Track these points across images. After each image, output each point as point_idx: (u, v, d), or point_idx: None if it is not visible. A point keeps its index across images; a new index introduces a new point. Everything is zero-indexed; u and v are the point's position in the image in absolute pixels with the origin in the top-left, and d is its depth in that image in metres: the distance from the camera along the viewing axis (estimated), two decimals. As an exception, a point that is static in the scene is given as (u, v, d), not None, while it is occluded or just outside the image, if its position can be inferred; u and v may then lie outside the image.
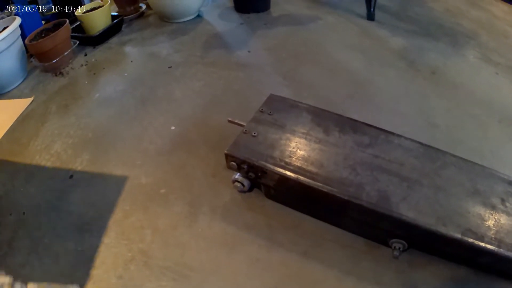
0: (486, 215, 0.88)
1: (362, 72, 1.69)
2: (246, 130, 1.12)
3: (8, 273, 1.04)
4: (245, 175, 1.10)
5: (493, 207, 0.90)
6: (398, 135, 1.08)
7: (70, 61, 2.00)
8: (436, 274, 0.95)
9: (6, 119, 1.58)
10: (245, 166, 1.05)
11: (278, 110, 1.19)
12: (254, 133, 1.11)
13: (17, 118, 1.61)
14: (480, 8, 2.26)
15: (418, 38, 1.95)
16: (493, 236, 0.84)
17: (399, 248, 0.94)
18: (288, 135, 1.10)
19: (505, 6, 2.29)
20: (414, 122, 1.38)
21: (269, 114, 1.17)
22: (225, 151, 1.07)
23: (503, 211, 0.89)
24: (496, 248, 0.82)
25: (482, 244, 0.83)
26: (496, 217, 0.88)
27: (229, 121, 1.24)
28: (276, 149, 1.06)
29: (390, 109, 1.46)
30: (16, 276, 1.03)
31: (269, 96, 1.25)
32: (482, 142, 1.30)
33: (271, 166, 1.01)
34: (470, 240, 0.83)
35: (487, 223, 0.86)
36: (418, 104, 1.48)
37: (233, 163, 1.07)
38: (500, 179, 0.97)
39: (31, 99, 1.73)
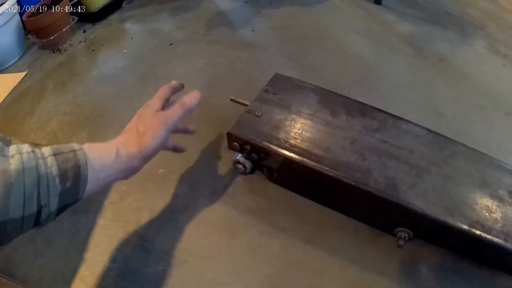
0: (494, 207, 0.86)
1: (369, 57, 1.66)
2: (249, 110, 1.09)
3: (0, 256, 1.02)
4: (248, 156, 1.07)
5: (501, 200, 0.87)
6: (407, 121, 1.05)
7: (69, 37, 1.95)
8: (440, 265, 0.93)
9: (-2, 93, 1.55)
10: (248, 147, 1.02)
11: (283, 90, 1.15)
12: (258, 113, 1.07)
13: (13, 95, 1.58)
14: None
15: (426, 25, 1.91)
16: (500, 229, 0.82)
17: (404, 237, 0.91)
18: (294, 116, 1.07)
19: (515, -2, 2.25)
20: (420, 110, 1.35)
21: (274, 93, 1.14)
22: (227, 131, 1.04)
23: (511, 204, 0.87)
24: (503, 242, 0.80)
25: (489, 237, 0.80)
26: (503, 210, 0.85)
27: (232, 100, 1.21)
28: (281, 130, 1.03)
29: (396, 96, 1.43)
30: (9, 259, 1.01)
31: (274, 75, 1.21)
32: (489, 134, 1.27)
33: (275, 148, 0.98)
34: (478, 232, 0.81)
35: (494, 215, 0.84)
36: (425, 92, 1.45)
37: (235, 143, 1.04)
38: (508, 172, 0.95)
39: (23, 73, 1.70)
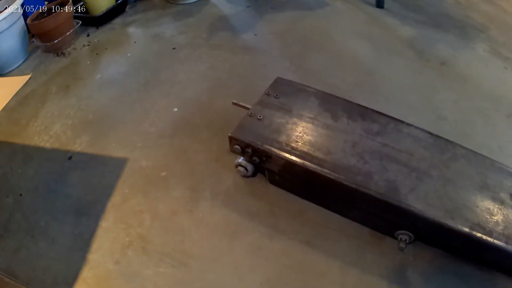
0: (495, 210, 0.86)
1: (370, 61, 1.66)
2: (251, 113, 1.09)
3: (2, 256, 1.03)
4: (249, 160, 1.07)
5: (502, 202, 0.87)
6: (408, 124, 1.05)
7: (72, 41, 1.96)
8: (441, 268, 0.93)
9: (3, 96, 1.55)
10: (250, 150, 1.03)
11: (285, 94, 1.16)
12: (260, 116, 1.08)
13: (17, 99, 1.58)
14: (490, 3, 2.21)
15: (428, 29, 1.91)
16: (501, 231, 0.82)
17: (405, 240, 0.92)
18: (295, 119, 1.08)
19: (516, 1, 2.25)
20: (421, 113, 1.36)
21: (275, 97, 1.14)
22: (229, 134, 1.04)
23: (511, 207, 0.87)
24: (504, 244, 0.80)
25: (490, 240, 0.81)
26: (504, 213, 0.85)
27: (234, 103, 1.22)
28: (282, 134, 1.03)
29: (397, 99, 1.43)
30: (12, 260, 1.02)
31: (276, 79, 1.22)
32: (490, 137, 1.27)
33: (277, 151, 0.99)
34: (479, 234, 0.81)
35: (495, 218, 0.84)
36: (426, 95, 1.45)
37: (237, 146, 1.05)
38: (510, 174, 0.94)
39: (28, 76, 1.70)
